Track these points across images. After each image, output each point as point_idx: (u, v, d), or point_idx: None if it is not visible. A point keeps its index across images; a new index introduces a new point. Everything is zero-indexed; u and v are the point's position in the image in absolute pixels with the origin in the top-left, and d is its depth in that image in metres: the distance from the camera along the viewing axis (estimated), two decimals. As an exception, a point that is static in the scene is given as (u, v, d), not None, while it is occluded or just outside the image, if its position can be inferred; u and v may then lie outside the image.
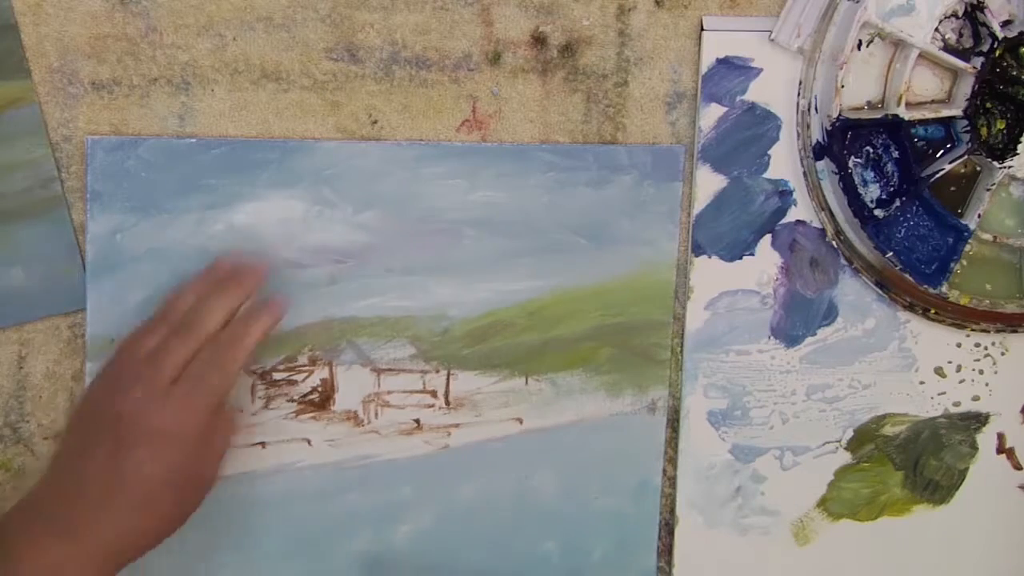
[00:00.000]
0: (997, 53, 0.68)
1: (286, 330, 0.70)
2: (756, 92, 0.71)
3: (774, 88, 0.71)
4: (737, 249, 0.72)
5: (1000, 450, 0.76)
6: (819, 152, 0.69)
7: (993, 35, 0.68)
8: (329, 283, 0.70)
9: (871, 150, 0.70)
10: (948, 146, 0.71)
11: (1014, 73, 0.69)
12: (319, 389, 0.71)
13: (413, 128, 0.69)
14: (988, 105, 0.70)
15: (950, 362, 0.74)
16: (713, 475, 0.74)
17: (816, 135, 0.69)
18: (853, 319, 0.73)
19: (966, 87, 0.69)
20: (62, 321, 0.69)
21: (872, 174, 0.70)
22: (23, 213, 0.67)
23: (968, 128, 0.69)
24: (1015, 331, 0.74)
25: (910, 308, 0.73)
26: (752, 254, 0.72)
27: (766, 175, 0.72)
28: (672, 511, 0.74)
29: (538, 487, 0.73)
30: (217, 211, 0.68)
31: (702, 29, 0.70)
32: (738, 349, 0.73)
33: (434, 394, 0.72)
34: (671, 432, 0.74)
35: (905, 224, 0.70)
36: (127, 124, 0.68)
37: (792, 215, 0.72)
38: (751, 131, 0.71)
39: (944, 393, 0.75)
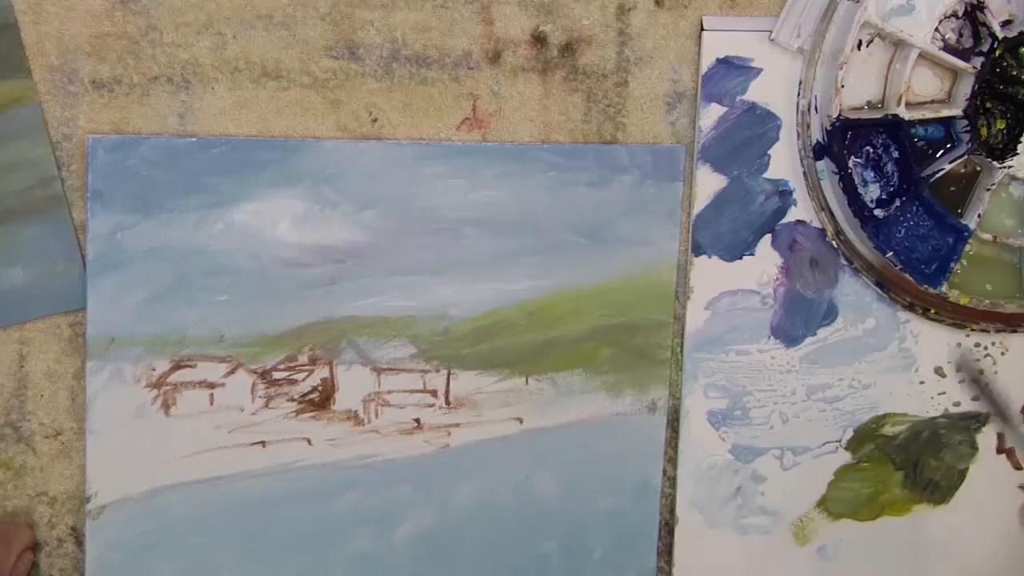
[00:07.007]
0: (997, 53, 0.68)
1: (286, 330, 0.70)
2: (756, 92, 0.71)
3: (774, 88, 0.71)
4: (737, 249, 0.72)
5: (1000, 450, 0.75)
6: (819, 152, 0.69)
7: (993, 35, 0.68)
8: (329, 283, 0.70)
9: (871, 150, 0.70)
10: (948, 146, 0.71)
11: (1014, 73, 0.69)
12: (319, 388, 0.71)
13: (413, 126, 0.70)
14: (988, 105, 0.70)
15: (950, 362, 0.74)
16: (713, 475, 0.74)
17: (816, 135, 0.69)
18: (853, 319, 0.73)
19: (966, 87, 0.69)
20: (63, 320, 0.69)
21: (872, 174, 0.70)
22: (24, 212, 0.68)
23: (968, 128, 0.69)
24: (1015, 331, 0.74)
25: (910, 308, 0.73)
26: (752, 254, 0.72)
27: (766, 175, 0.72)
28: (672, 511, 0.74)
29: (538, 487, 0.73)
30: (217, 210, 0.68)
31: (702, 29, 0.70)
32: (738, 349, 0.73)
33: (434, 394, 0.72)
34: (671, 432, 0.74)
35: (905, 224, 0.70)
36: (127, 123, 0.68)
37: (792, 215, 0.72)
38: (751, 131, 0.71)
39: (944, 393, 0.75)
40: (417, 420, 0.72)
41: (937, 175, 0.69)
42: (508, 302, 0.71)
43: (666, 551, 0.75)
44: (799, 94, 0.70)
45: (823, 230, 0.72)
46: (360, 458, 0.72)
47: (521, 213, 0.71)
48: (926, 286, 0.70)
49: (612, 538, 0.74)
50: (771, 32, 0.70)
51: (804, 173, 0.71)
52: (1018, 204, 0.71)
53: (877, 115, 0.69)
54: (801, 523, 0.75)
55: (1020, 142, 0.69)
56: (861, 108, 0.70)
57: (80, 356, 0.69)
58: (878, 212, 0.69)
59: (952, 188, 0.71)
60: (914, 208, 0.70)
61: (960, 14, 0.69)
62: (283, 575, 0.72)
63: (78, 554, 0.71)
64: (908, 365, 0.74)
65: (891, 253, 0.70)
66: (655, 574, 0.75)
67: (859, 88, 0.70)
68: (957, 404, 0.75)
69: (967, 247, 0.70)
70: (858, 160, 0.69)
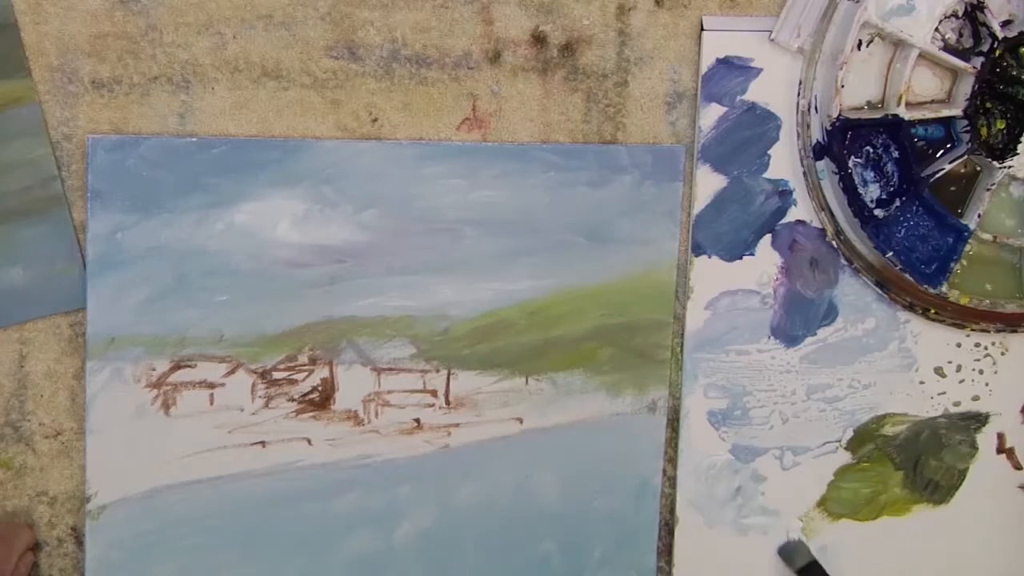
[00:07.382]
0: (997, 53, 0.68)
1: (286, 330, 0.70)
2: (756, 92, 0.71)
3: (774, 88, 0.71)
4: (737, 249, 0.72)
5: (1000, 450, 0.75)
6: (819, 152, 0.69)
7: (993, 35, 0.68)
8: (329, 283, 0.70)
9: (871, 150, 0.70)
10: (948, 146, 0.71)
11: (1014, 73, 0.69)
12: (319, 388, 0.71)
13: (413, 126, 0.70)
14: (988, 105, 0.70)
15: (950, 362, 0.74)
16: (713, 475, 0.74)
17: (816, 135, 0.69)
18: (853, 319, 0.73)
19: (966, 87, 0.69)
20: (63, 320, 0.69)
21: (872, 174, 0.70)
22: (23, 212, 0.68)
23: (968, 128, 0.69)
24: (1015, 331, 0.74)
25: (910, 308, 0.73)
26: (752, 254, 0.72)
27: (766, 175, 0.72)
28: (672, 511, 0.74)
29: (538, 487, 0.73)
30: (217, 210, 0.68)
31: (702, 29, 0.70)
32: (738, 349, 0.73)
33: (434, 394, 0.72)
34: (671, 432, 0.74)
35: (905, 224, 0.70)
36: (127, 123, 0.68)
37: (792, 215, 0.72)
38: (751, 131, 0.71)
39: (944, 393, 0.75)
40: (417, 420, 0.72)
41: (937, 175, 0.69)
42: (508, 302, 0.71)
43: (666, 551, 0.75)
44: (799, 94, 0.70)
45: (823, 230, 0.72)
46: (360, 458, 0.72)
47: (521, 213, 0.71)
48: (926, 286, 0.70)
49: (612, 538, 0.74)
50: (771, 32, 0.70)
51: (804, 173, 0.71)
52: (1018, 204, 0.71)
53: (877, 115, 0.69)
54: (801, 523, 0.75)
55: (1020, 142, 0.69)
56: (861, 108, 0.70)
57: (80, 356, 0.69)
58: (878, 212, 0.69)
59: (952, 188, 0.71)
60: (914, 208, 0.70)
61: (960, 14, 0.69)
62: (283, 575, 0.72)
63: (78, 554, 0.71)
64: (908, 365, 0.74)
65: (891, 253, 0.70)
66: (655, 574, 0.75)
67: (859, 88, 0.70)
68: (957, 404, 0.75)
69: (967, 247, 0.70)
70: (858, 160, 0.69)
